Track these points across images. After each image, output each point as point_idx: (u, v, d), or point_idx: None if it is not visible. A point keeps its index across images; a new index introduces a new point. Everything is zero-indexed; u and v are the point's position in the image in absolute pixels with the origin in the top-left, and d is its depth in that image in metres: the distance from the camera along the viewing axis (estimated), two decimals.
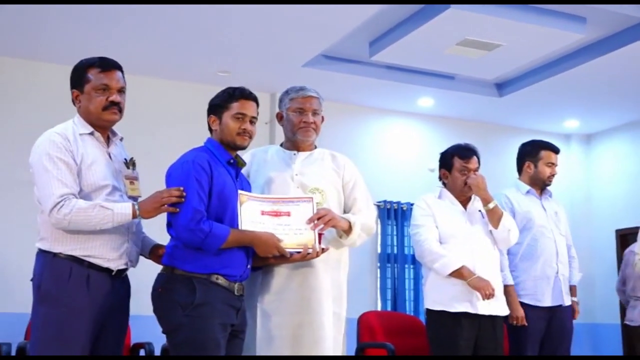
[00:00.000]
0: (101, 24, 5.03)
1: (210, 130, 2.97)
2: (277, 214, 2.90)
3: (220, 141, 2.93)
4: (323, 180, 3.21)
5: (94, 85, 2.82)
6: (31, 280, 2.77)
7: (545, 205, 4.23)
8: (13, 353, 4.26)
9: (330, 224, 2.99)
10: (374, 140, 6.95)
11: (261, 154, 3.30)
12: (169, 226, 2.84)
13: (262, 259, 2.91)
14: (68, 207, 2.64)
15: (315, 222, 2.93)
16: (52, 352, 2.66)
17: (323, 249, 2.95)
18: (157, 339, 4.53)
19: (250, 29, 5.13)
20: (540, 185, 4.24)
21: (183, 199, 2.74)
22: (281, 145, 3.35)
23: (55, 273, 2.71)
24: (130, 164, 2.92)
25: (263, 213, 2.88)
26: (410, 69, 6.15)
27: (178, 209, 2.74)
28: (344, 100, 6.53)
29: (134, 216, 2.72)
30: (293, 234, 2.90)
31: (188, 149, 2.92)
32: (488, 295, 3.71)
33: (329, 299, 3.10)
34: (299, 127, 3.21)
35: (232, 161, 2.92)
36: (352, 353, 4.70)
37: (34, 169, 2.74)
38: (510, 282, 4.01)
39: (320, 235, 2.95)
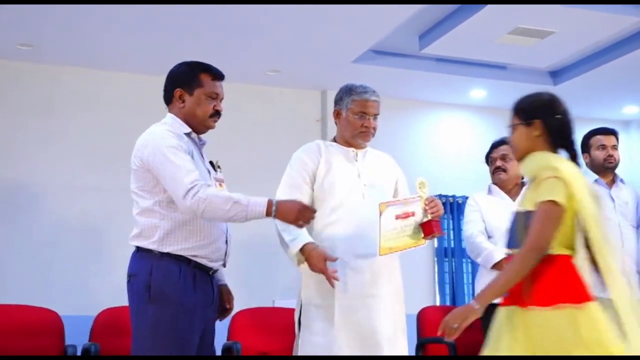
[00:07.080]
0: (147, 25, 5.07)
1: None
2: (406, 216, 2.97)
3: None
4: (383, 179, 3.26)
5: (206, 91, 2.91)
6: (128, 280, 2.77)
7: (614, 194, 4.12)
8: (79, 354, 4.35)
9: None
10: (426, 134, 6.88)
11: (324, 151, 3.25)
12: None
13: None
14: (204, 194, 2.63)
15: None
16: (166, 351, 2.65)
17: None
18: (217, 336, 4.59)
19: (299, 26, 5.14)
20: (602, 171, 4.15)
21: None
22: (333, 140, 3.33)
23: (166, 272, 2.70)
24: (216, 166, 2.95)
25: (397, 217, 2.95)
26: (461, 61, 6.07)
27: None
28: (395, 95, 6.48)
29: (268, 214, 2.68)
30: (413, 232, 3.01)
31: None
32: None
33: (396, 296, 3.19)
34: (360, 130, 3.20)
35: None
36: (413, 349, 4.68)
37: (155, 164, 2.71)
38: None
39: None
